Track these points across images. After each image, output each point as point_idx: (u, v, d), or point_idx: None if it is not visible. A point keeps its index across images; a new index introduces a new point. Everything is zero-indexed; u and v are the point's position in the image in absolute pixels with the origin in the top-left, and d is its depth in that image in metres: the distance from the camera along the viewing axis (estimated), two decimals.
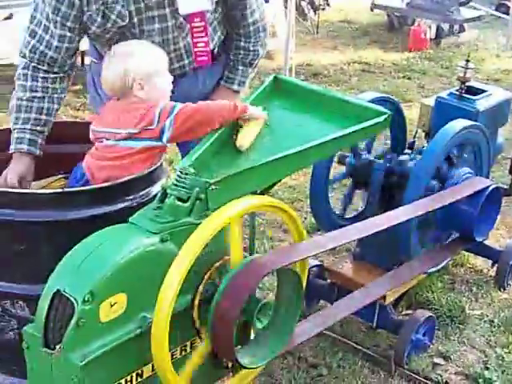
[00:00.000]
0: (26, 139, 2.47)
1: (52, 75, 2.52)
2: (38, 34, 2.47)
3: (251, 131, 2.28)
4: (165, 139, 2.23)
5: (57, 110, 2.56)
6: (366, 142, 3.23)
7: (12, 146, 2.48)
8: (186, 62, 2.64)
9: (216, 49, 2.72)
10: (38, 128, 2.49)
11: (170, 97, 2.41)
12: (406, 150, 3.36)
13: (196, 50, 2.61)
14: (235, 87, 2.79)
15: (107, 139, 2.31)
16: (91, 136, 2.40)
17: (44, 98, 2.50)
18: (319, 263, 3.45)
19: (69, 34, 2.47)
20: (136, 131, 2.24)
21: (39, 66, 2.50)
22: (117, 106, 2.35)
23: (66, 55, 2.51)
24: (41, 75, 2.50)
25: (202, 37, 2.59)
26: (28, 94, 2.49)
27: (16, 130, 2.49)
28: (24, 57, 2.51)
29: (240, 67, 2.79)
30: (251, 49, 2.76)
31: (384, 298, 2.97)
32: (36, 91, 2.49)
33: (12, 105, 2.55)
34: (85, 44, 2.71)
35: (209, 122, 2.22)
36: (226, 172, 2.04)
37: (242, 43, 2.75)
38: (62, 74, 2.54)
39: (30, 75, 2.50)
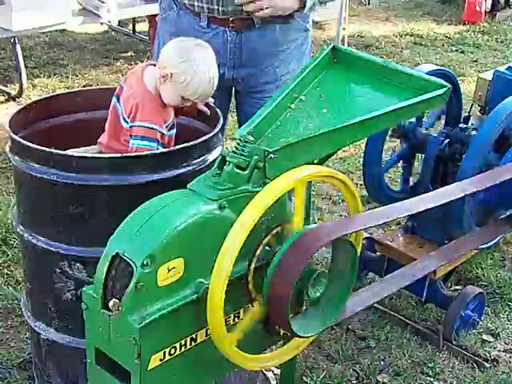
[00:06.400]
0: None
1: None
2: None
3: None
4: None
5: None
6: (417, 116, 3.19)
7: None
8: None
9: None
10: None
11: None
12: (461, 125, 3.32)
13: None
14: None
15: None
16: None
17: None
18: (369, 236, 3.44)
19: None
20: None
21: None
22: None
23: None
24: None
25: None
26: None
27: None
28: None
29: None
30: None
31: (434, 272, 2.95)
32: None
33: None
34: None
35: None
36: (284, 141, 2.04)
37: None
38: None
39: None
